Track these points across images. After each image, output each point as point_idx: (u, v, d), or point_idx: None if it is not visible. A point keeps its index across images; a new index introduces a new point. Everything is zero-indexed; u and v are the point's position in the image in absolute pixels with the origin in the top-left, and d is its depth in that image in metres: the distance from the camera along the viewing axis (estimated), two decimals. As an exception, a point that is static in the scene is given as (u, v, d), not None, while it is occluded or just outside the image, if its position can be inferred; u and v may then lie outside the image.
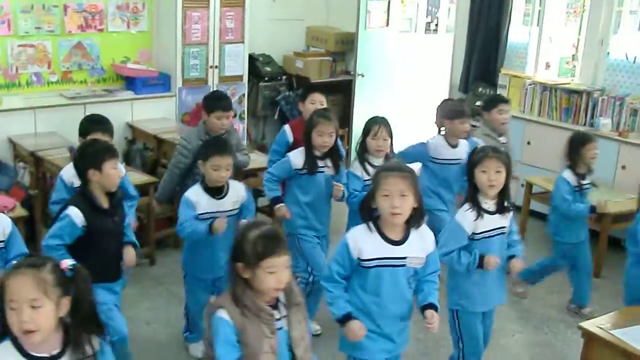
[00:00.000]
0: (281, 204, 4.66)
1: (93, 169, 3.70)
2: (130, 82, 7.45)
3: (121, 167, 4.11)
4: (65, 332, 2.45)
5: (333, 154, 4.65)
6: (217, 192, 4.22)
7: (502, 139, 5.65)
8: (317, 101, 5.23)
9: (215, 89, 7.62)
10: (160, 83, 7.48)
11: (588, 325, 3.90)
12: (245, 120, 8.18)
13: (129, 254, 3.94)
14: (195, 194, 4.21)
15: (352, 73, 8.85)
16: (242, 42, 7.90)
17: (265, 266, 2.64)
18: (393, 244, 3.27)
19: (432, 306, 3.34)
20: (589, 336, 3.85)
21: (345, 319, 3.26)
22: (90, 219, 3.69)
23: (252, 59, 8.27)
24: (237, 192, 4.32)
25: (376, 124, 4.67)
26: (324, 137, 4.53)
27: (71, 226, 3.66)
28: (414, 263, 3.32)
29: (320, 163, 4.61)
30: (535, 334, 5.19)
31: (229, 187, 4.28)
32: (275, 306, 2.78)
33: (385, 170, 3.31)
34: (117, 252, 3.90)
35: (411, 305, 3.42)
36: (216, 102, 5.29)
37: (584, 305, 5.41)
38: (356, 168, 4.68)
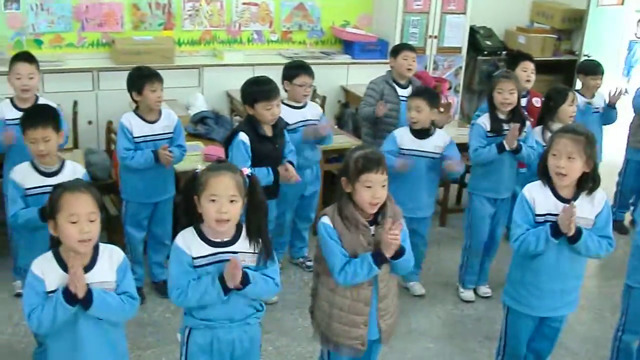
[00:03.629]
0: None
1: (249, 105, 4.36)
2: (348, 46, 7.45)
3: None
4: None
5: (515, 115, 4.62)
6: None
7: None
8: (529, 69, 5.32)
9: (432, 59, 7.53)
10: (378, 49, 7.41)
11: None
12: (460, 94, 7.95)
13: (288, 169, 4.38)
14: None
15: (577, 53, 8.39)
16: (464, 13, 7.69)
17: (363, 180, 2.92)
18: (563, 202, 3.25)
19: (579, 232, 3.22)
20: None
21: (555, 228, 3.19)
22: (253, 142, 4.31)
23: (472, 31, 8.00)
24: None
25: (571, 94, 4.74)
26: (504, 93, 4.57)
27: (243, 145, 4.26)
28: (581, 223, 3.23)
29: (505, 126, 4.61)
30: None
31: None
32: (374, 222, 3.02)
33: (560, 131, 3.34)
34: (275, 176, 4.38)
35: (581, 265, 3.39)
36: (400, 45, 5.76)
37: None
38: (537, 132, 4.75)
